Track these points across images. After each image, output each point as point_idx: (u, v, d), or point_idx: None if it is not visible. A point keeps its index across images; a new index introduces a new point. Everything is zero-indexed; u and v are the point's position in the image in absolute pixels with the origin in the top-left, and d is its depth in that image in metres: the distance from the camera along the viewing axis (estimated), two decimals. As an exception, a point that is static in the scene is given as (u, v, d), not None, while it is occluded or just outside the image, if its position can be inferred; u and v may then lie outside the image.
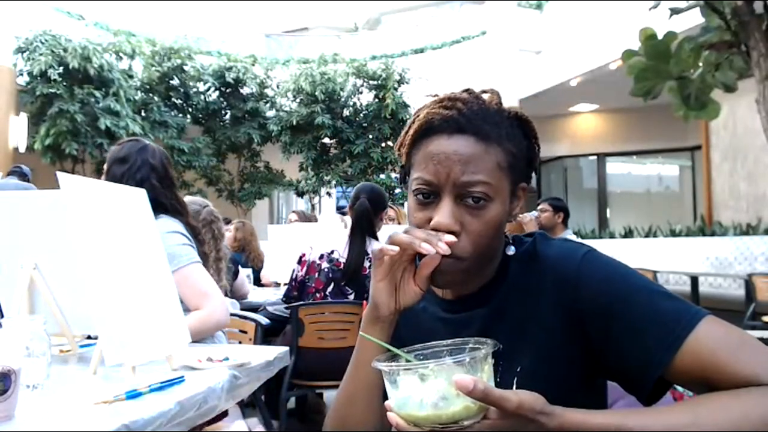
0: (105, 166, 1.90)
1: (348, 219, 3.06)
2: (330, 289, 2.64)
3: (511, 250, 0.84)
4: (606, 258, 0.79)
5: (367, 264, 2.67)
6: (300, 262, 2.68)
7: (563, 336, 0.78)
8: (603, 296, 0.75)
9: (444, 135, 0.76)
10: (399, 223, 4.52)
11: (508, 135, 0.78)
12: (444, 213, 0.75)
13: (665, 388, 0.74)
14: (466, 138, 0.75)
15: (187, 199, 3.48)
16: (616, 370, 0.76)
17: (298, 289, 2.65)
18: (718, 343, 0.69)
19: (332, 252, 2.67)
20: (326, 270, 2.65)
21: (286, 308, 2.60)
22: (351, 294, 2.65)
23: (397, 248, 0.74)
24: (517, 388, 0.73)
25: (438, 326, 0.83)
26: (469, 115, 0.76)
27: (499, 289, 0.82)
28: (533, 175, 0.85)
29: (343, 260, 2.63)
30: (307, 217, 5.05)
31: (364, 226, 2.67)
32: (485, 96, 0.81)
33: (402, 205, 10.40)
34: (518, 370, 0.78)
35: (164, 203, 1.84)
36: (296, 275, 2.66)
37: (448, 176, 0.75)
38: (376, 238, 2.74)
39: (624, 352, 0.73)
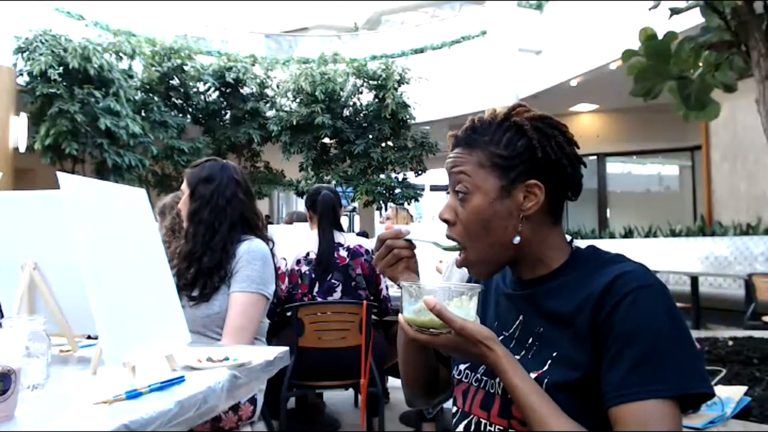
0: (185, 189, 1.94)
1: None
2: (316, 288, 2.64)
3: (575, 247, 0.95)
4: (659, 299, 0.81)
5: (344, 253, 2.68)
6: (278, 277, 2.67)
7: (586, 344, 0.84)
8: (628, 329, 0.80)
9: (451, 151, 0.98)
10: (395, 223, 4.54)
11: (494, 140, 0.92)
12: (444, 205, 0.96)
13: None
14: (457, 149, 0.96)
15: (173, 195, 3.49)
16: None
17: (284, 302, 2.63)
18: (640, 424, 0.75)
19: (308, 254, 2.68)
20: (307, 272, 2.65)
21: (287, 308, 2.59)
22: (338, 286, 2.65)
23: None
24: (549, 371, 0.85)
25: (500, 299, 1.01)
26: (465, 130, 0.96)
27: (556, 279, 0.92)
28: (564, 172, 0.92)
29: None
30: (300, 218, 5.05)
31: (330, 217, 2.73)
32: (501, 109, 0.96)
33: (401, 205, 10.43)
34: (554, 354, 0.86)
35: (248, 218, 1.93)
36: (277, 293, 2.64)
37: (449, 178, 0.96)
38: (342, 230, 2.78)
39: (604, 377, 0.80)
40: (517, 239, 0.91)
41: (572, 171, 0.92)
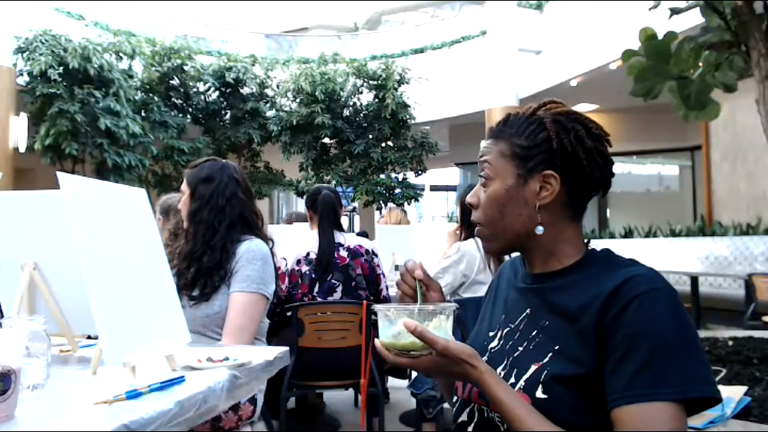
0: (185, 189, 1.94)
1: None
2: (316, 288, 2.64)
3: (591, 249, 0.97)
4: (666, 303, 0.81)
5: (344, 253, 2.68)
6: (278, 277, 2.67)
7: (590, 343, 0.84)
8: (633, 332, 0.80)
9: None
10: (387, 223, 4.57)
11: (518, 132, 0.96)
12: (472, 191, 1.00)
13: None
14: (488, 140, 1.00)
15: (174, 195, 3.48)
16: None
17: (284, 302, 2.63)
18: (644, 423, 0.75)
19: (308, 254, 2.68)
20: (308, 272, 2.65)
21: (287, 308, 2.59)
22: (338, 286, 2.65)
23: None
24: (549, 363, 0.86)
25: (510, 293, 1.03)
26: (499, 123, 1.00)
27: (566, 276, 0.93)
28: (581, 165, 0.93)
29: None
30: (300, 218, 5.05)
31: (330, 217, 2.73)
32: (535, 106, 1.00)
33: (401, 205, 10.43)
34: (556, 348, 0.87)
35: (248, 217, 1.93)
36: (277, 293, 2.64)
37: (478, 167, 1.00)
38: (342, 230, 2.78)
39: (608, 379, 0.80)
40: (539, 230, 0.93)
41: (590, 165, 0.93)
